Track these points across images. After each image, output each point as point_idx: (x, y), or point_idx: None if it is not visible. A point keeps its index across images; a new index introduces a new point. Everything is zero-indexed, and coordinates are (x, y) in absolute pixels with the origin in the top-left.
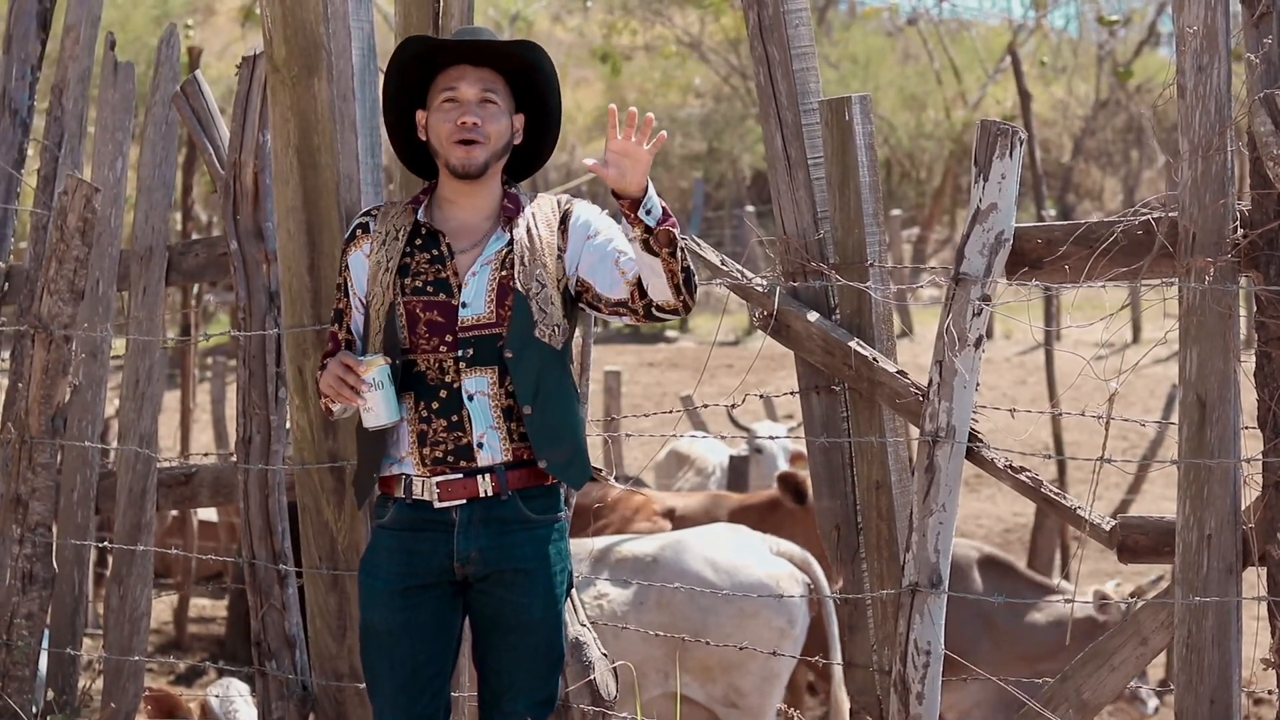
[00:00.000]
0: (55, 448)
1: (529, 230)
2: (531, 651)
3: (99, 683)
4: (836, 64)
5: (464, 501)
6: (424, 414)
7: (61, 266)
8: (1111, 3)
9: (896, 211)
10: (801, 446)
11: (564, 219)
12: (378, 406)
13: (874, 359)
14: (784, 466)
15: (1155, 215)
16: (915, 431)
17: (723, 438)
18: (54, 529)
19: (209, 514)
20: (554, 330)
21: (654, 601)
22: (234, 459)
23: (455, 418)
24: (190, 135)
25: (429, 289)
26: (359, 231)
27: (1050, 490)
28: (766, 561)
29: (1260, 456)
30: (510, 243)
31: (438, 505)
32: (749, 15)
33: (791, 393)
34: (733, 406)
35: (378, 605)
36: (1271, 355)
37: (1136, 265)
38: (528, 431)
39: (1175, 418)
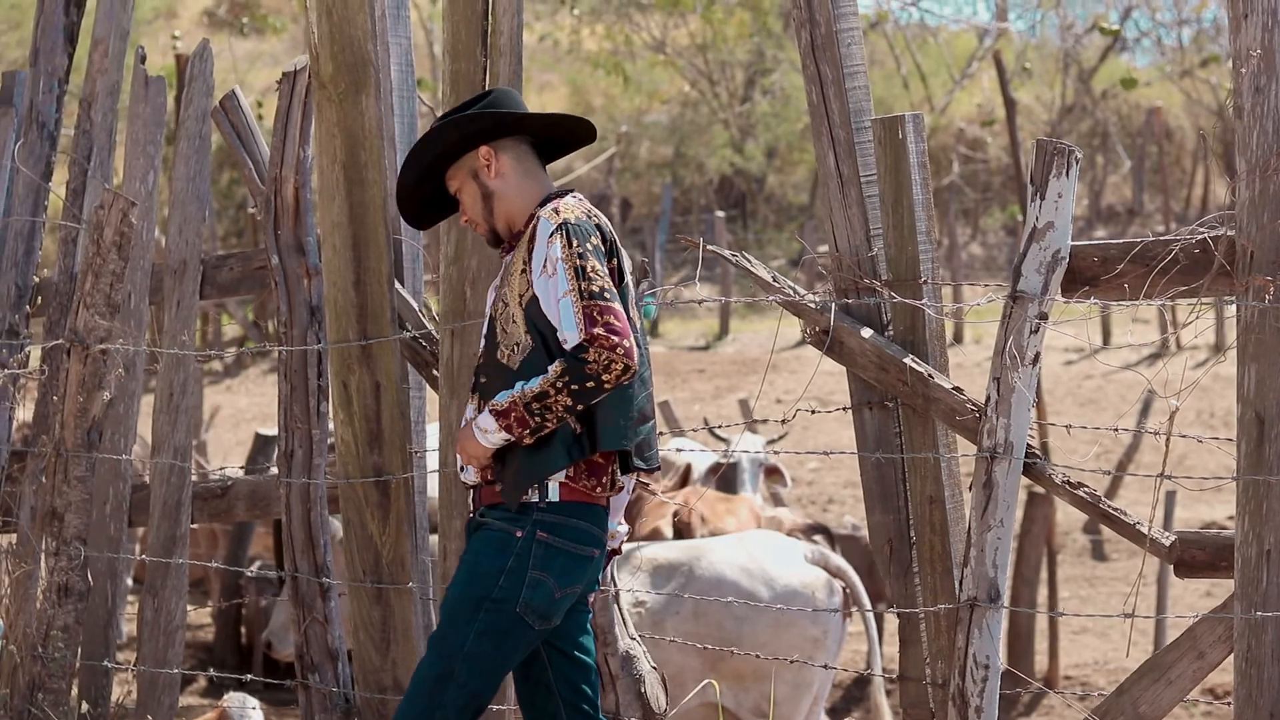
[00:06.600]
0: (90, 461)
1: (513, 250)
2: (448, 599)
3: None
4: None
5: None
6: None
7: (98, 281)
8: (1075, 9)
9: None
10: (776, 460)
11: (532, 236)
12: None
13: (929, 375)
14: (750, 481)
15: (1213, 234)
16: (966, 446)
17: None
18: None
19: None
20: (513, 350)
21: (690, 610)
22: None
23: None
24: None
25: None
26: None
27: (1109, 506)
28: (801, 569)
29: None
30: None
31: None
32: (801, 34)
33: (845, 408)
34: (784, 421)
35: None
36: None
37: (1195, 284)
38: None
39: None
